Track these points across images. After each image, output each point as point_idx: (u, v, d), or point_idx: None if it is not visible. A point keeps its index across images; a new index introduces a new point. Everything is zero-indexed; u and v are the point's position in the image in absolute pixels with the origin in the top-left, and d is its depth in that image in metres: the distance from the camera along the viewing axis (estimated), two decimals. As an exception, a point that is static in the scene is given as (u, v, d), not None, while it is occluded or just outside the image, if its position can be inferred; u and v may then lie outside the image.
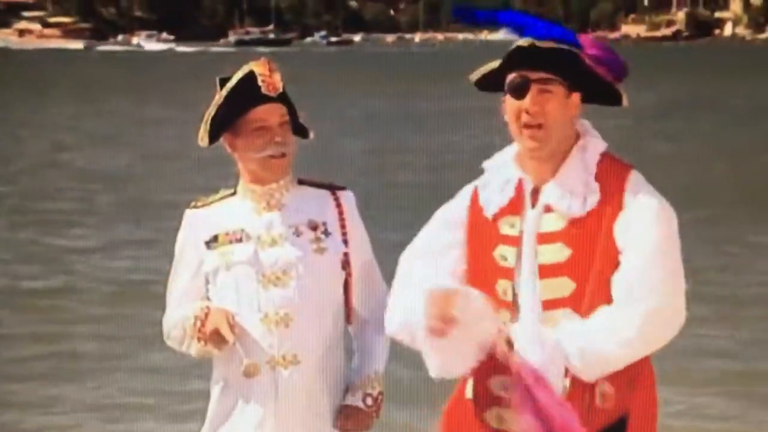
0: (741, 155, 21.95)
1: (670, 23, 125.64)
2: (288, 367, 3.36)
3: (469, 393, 3.22)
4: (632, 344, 3.01)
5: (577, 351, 2.99)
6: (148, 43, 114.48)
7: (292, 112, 3.46)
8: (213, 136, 3.43)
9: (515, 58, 3.10)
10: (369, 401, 3.45)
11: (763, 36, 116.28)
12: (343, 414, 3.43)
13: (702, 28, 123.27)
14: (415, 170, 16.77)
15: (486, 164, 3.26)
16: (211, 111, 3.42)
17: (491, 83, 3.19)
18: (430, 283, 3.12)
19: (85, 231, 14.80)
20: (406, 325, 3.15)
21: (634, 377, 3.08)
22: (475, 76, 3.22)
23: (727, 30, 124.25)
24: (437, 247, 3.24)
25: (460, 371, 3.13)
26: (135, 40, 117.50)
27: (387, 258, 3.50)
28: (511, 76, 3.11)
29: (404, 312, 3.16)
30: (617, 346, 3.00)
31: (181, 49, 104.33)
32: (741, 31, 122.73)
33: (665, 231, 3.08)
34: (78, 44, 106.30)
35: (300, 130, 3.50)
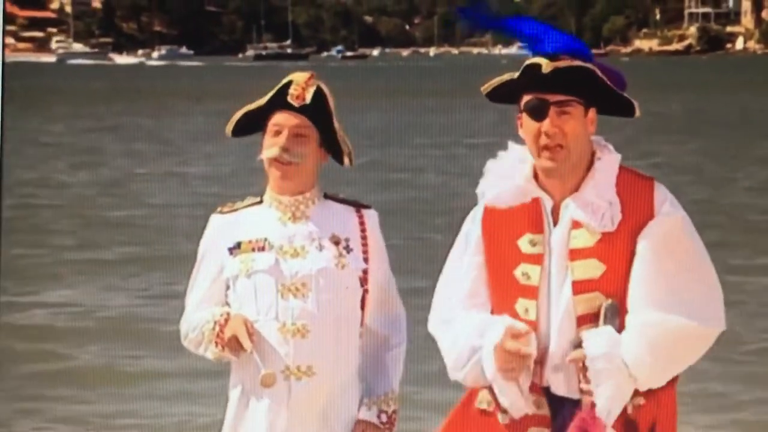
0: (732, 169, 22.15)
1: (682, 38, 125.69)
2: (302, 378, 3.41)
3: (482, 404, 3.27)
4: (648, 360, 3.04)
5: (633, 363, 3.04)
6: (119, 56, 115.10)
7: (326, 130, 3.47)
8: (238, 130, 3.51)
9: (533, 79, 3.07)
10: (384, 418, 3.49)
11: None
12: (359, 428, 3.48)
13: (714, 42, 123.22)
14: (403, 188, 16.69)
15: (492, 168, 3.26)
16: (249, 106, 3.50)
17: (504, 96, 3.21)
18: (485, 324, 3.13)
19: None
20: (472, 367, 3.16)
21: (660, 390, 3.11)
22: (488, 88, 3.21)
23: (739, 44, 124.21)
24: (464, 275, 3.26)
25: (524, 409, 3.14)
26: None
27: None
28: (528, 98, 3.10)
29: (466, 355, 3.17)
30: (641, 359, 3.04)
31: (152, 63, 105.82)
32: (752, 45, 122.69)
33: (697, 247, 3.12)
34: (51, 57, 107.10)
35: (335, 153, 3.52)
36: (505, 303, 3.14)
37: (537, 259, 3.10)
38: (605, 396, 2.99)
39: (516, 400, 3.09)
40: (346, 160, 3.52)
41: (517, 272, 3.12)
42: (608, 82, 3.09)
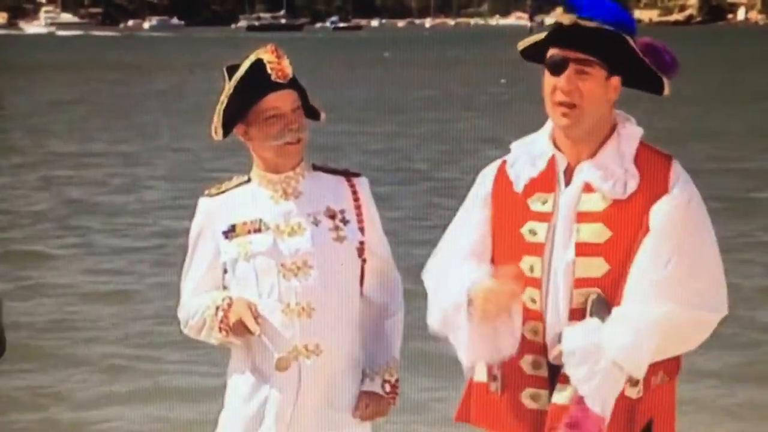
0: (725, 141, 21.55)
1: (682, 8, 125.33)
2: (310, 357, 3.35)
3: (480, 377, 3.22)
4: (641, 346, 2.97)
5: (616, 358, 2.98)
6: (29, 26, 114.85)
7: (303, 95, 3.42)
8: (226, 128, 3.39)
9: (558, 35, 3.07)
10: (387, 388, 3.43)
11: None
12: (363, 400, 3.42)
13: (715, 12, 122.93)
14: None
15: (515, 144, 3.23)
16: (223, 102, 3.37)
17: (533, 55, 3.17)
18: (474, 273, 3.12)
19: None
20: (452, 309, 3.12)
21: (659, 384, 3.08)
22: (522, 45, 3.19)
23: (740, 15, 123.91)
24: (469, 230, 3.23)
25: (506, 354, 3.09)
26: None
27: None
28: (551, 52, 3.08)
29: (449, 298, 3.14)
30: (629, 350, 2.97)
31: (62, 33, 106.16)
32: (754, 16, 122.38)
33: (698, 231, 3.05)
34: None
35: (312, 113, 3.46)
36: (509, 261, 3.11)
37: (545, 217, 3.09)
38: (590, 388, 2.97)
39: (490, 344, 3.09)
40: (323, 116, 3.48)
41: (524, 229, 3.10)
42: (639, 54, 3.05)
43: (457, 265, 3.20)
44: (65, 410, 7.50)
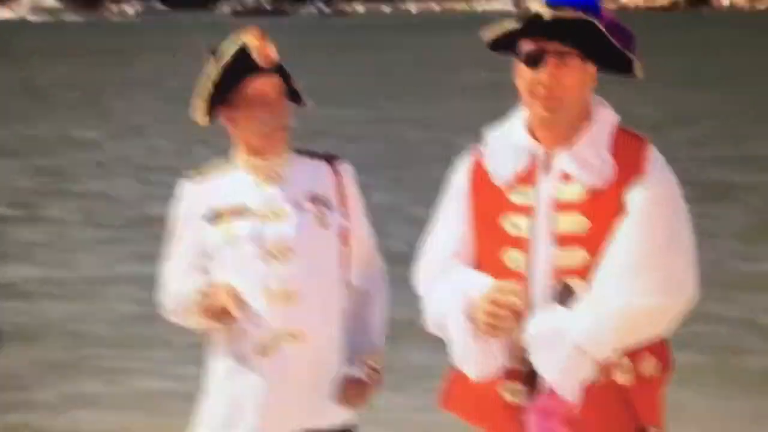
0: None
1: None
2: (293, 343, 3.35)
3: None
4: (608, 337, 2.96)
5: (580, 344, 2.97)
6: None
7: (288, 80, 3.42)
8: (210, 113, 3.39)
9: (532, 26, 3.03)
10: (372, 374, 3.44)
11: (761, 6, 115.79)
12: (346, 385, 3.42)
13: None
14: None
15: (489, 134, 3.19)
16: (207, 86, 3.36)
17: (503, 44, 3.12)
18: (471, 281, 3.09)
19: None
20: (449, 317, 3.10)
21: (648, 380, 3.05)
22: (490, 35, 3.12)
23: (725, 0, 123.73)
24: (449, 228, 3.21)
25: (498, 366, 3.06)
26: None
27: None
28: (526, 47, 3.04)
29: (448, 306, 3.12)
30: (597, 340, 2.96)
31: (33, 18, 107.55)
32: (738, 1, 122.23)
33: (673, 217, 3.04)
34: None
35: (296, 99, 3.46)
36: (492, 254, 3.11)
37: (527, 210, 3.07)
38: (554, 373, 2.97)
39: (485, 358, 3.06)
40: (307, 101, 3.47)
41: (506, 222, 3.09)
42: (609, 37, 3.03)
43: (444, 269, 3.17)
44: (38, 412, 7.28)
